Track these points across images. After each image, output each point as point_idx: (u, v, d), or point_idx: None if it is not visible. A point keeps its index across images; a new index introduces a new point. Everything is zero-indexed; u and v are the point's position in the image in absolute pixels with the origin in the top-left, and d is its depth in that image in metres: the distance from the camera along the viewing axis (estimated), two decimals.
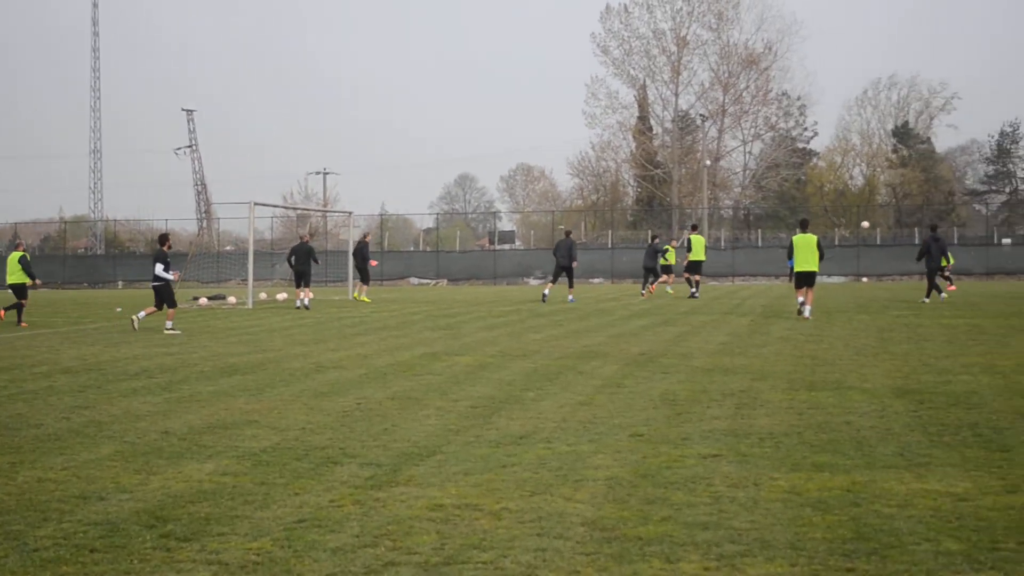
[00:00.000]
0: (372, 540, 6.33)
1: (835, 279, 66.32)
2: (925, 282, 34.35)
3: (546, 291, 38.44)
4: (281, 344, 20.35)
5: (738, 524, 6.55)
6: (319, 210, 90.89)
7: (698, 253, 39.42)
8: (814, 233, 26.91)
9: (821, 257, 26.04)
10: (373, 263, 41.23)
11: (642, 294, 39.98)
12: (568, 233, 40.52)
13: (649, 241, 43.25)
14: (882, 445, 9.00)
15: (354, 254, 40.64)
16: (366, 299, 39.63)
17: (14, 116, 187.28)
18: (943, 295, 33.63)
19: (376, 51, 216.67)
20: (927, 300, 32.71)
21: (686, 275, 39.60)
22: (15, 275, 28.77)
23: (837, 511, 6.81)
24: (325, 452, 9.10)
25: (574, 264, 37.63)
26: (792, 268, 26.47)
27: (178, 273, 26.34)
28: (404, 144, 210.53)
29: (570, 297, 37.76)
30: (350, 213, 53.32)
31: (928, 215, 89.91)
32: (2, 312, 28.83)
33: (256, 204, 41.04)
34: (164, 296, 24.90)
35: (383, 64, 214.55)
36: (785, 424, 10.13)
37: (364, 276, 39.84)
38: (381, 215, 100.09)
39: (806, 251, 25.96)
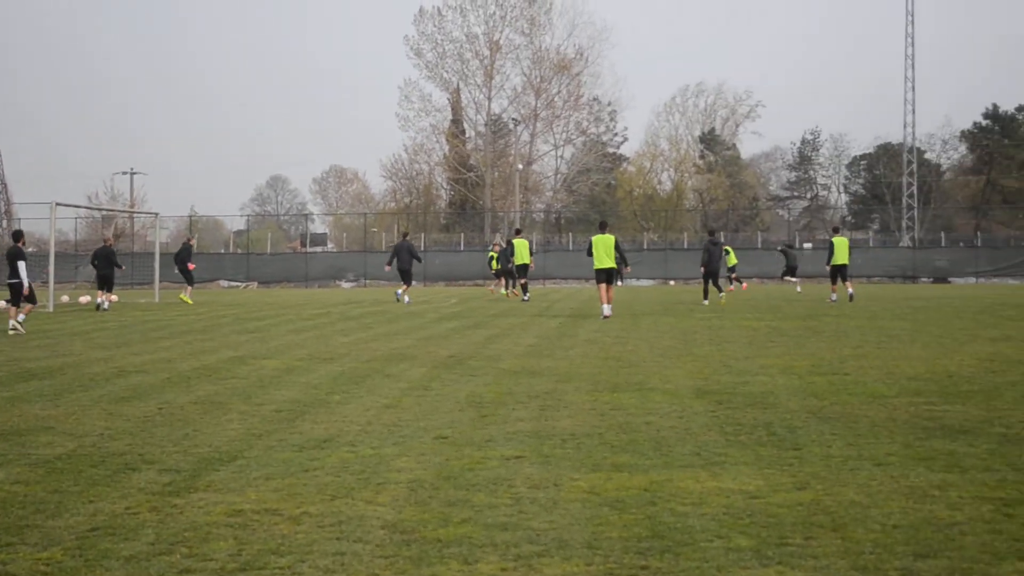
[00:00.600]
0: (167, 548, 6.22)
1: (644, 282, 67.52)
2: (706, 286, 35.79)
3: (399, 291, 39.12)
4: (82, 348, 19.84)
5: (537, 525, 6.61)
6: (125, 211, 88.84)
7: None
8: (614, 234, 28.02)
9: (621, 258, 27.58)
10: (191, 266, 41.57)
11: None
12: (405, 235, 41.26)
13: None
14: (680, 445, 9.19)
15: (176, 256, 40.56)
16: (189, 300, 39.87)
17: None
18: (722, 295, 35.50)
19: (184, 48, 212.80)
20: (723, 297, 34.88)
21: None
22: None
23: (634, 510, 6.93)
24: (123, 458, 8.90)
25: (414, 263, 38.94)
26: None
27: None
28: (215, 145, 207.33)
29: (406, 299, 38.34)
30: (157, 215, 52.36)
31: (733, 220, 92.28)
32: None
33: (58, 204, 39.97)
34: (19, 293, 25.06)
35: (195, 63, 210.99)
36: (587, 425, 10.27)
37: (188, 278, 40.61)
38: (190, 216, 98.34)
39: (604, 250, 27.49)
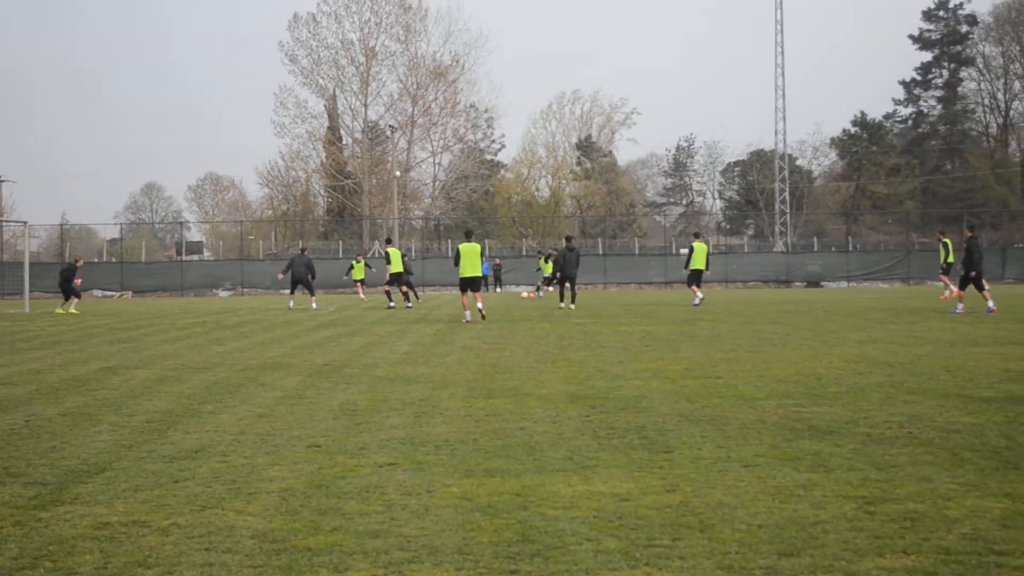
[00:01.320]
0: (31, 562, 6.11)
1: (523, 288, 67.75)
2: (562, 290, 37.13)
3: (291, 304, 40.69)
4: None
5: (408, 531, 6.62)
6: None
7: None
8: (478, 242, 29.17)
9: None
10: (77, 282, 42.33)
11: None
12: (303, 250, 42.85)
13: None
14: (553, 449, 9.26)
15: (61, 274, 41.85)
16: (75, 311, 40.17)
17: None
18: (564, 305, 36.26)
19: (54, 46, 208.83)
20: (573, 306, 35.73)
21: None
22: None
23: (505, 515, 6.97)
24: None
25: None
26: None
27: None
28: (87, 151, 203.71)
29: (314, 306, 40.13)
30: (26, 223, 51.29)
31: (611, 226, 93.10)
32: None
33: None
34: None
35: (68, 63, 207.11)
36: (462, 431, 10.29)
37: (74, 293, 41.20)
38: (62, 225, 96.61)
39: (471, 258, 28.50)
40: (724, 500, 7.28)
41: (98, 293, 71.90)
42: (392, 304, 38.91)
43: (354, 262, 47.98)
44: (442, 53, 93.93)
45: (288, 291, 42.06)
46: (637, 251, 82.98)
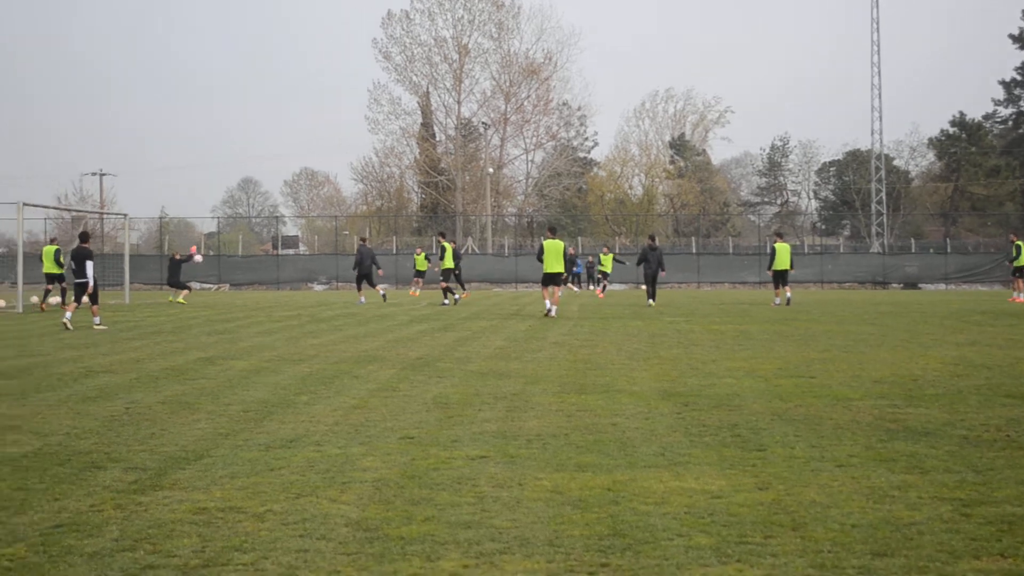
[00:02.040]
0: (131, 544, 6.24)
1: (615, 286, 67.62)
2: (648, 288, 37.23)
3: (362, 299, 41.02)
4: (51, 348, 19.79)
5: (499, 523, 6.67)
6: (94, 212, 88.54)
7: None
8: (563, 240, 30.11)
9: (568, 261, 29.76)
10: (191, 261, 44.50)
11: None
12: (364, 240, 43.65)
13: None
14: (645, 445, 9.26)
15: (169, 269, 43.53)
16: (183, 300, 41.51)
17: None
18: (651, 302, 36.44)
19: (155, 48, 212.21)
20: (652, 303, 36.15)
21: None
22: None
23: (596, 509, 6.99)
24: (89, 457, 8.91)
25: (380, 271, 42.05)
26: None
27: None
28: (185, 146, 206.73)
29: (362, 299, 40.57)
30: (127, 216, 52.17)
31: (704, 225, 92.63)
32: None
33: (26, 205, 39.75)
34: (83, 292, 26.54)
35: (167, 63, 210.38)
36: (553, 426, 10.33)
37: (182, 285, 42.54)
38: (161, 218, 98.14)
39: (554, 255, 29.20)
40: (817, 499, 7.24)
41: (196, 286, 72.92)
42: (447, 302, 38.66)
43: (415, 256, 48.85)
44: (535, 50, 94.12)
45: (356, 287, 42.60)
46: (731, 250, 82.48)
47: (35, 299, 42.04)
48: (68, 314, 25.65)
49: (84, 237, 27.57)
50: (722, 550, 6.07)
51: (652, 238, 38.67)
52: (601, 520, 6.72)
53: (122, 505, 7.18)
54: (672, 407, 11.57)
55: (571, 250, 48.04)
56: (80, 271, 26.56)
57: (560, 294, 29.90)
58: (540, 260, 29.46)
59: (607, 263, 53.00)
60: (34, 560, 5.95)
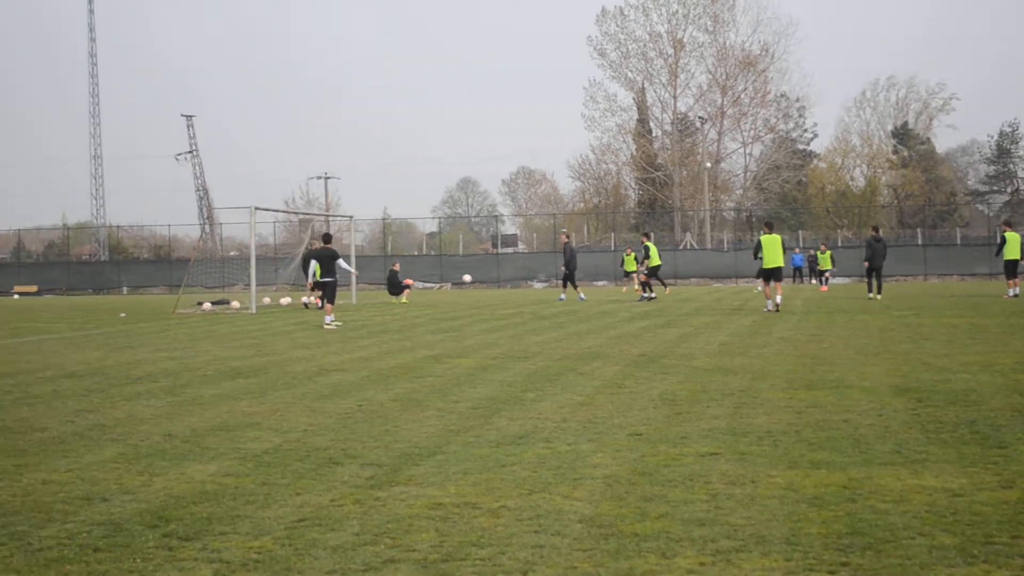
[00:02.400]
0: (372, 538, 6.40)
1: (838, 280, 66.31)
2: (870, 280, 37.17)
3: (563, 296, 42.14)
4: (284, 348, 20.43)
5: (734, 520, 6.61)
6: (321, 215, 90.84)
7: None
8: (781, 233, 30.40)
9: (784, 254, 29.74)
10: (407, 281, 45.45)
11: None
12: (568, 236, 43.97)
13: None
14: (879, 442, 9.06)
15: (388, 279, 44.50)
16: (405, 301, 43.20)
17: (15, 122, 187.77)
18: (871, 295, 36.11)
19: (377, 55, 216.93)
20: (879, 297, 35.87)
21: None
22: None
23: (833, 507, 6.87)
24: (326, 453, 9.17)
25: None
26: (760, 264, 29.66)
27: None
28: (406, 149, 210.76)
29: (562, 296, 41.60)
30: (351, 217, 53.45)
31: (930, 216, 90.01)
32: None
33: (257, 209, 41.11)
34: (332, 293, 27.84)
35: (380, 67, 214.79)
36: (783, 422, 10.19)
37: (401, 291, 43.35)
38: (383, 219, 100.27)
39: (773, 249, 29.14)
40: None
41: (419, 285, 74.29)
42: (651, 295, 38.46)
43: (624, 255, 48.82)
44: (751, 43, 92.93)
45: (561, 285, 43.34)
46: (959, 241, 79.88)
47: (267, 300, 43.48)
48: (328, 317, 26.92)
49: (327, 238, 28.98)
50: (967, 550, 5.90)
51: (876, 229, 38.03)
52: (838, 518, 6.60)
53: (361, 500, 7.36)
54: (906, 403, 11.29)
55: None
56: (328, 270, 27.90)
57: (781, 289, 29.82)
58: (756, 257, 29.63)
59: (825, 261, 52.31)
60: (281, 553, 6.15)
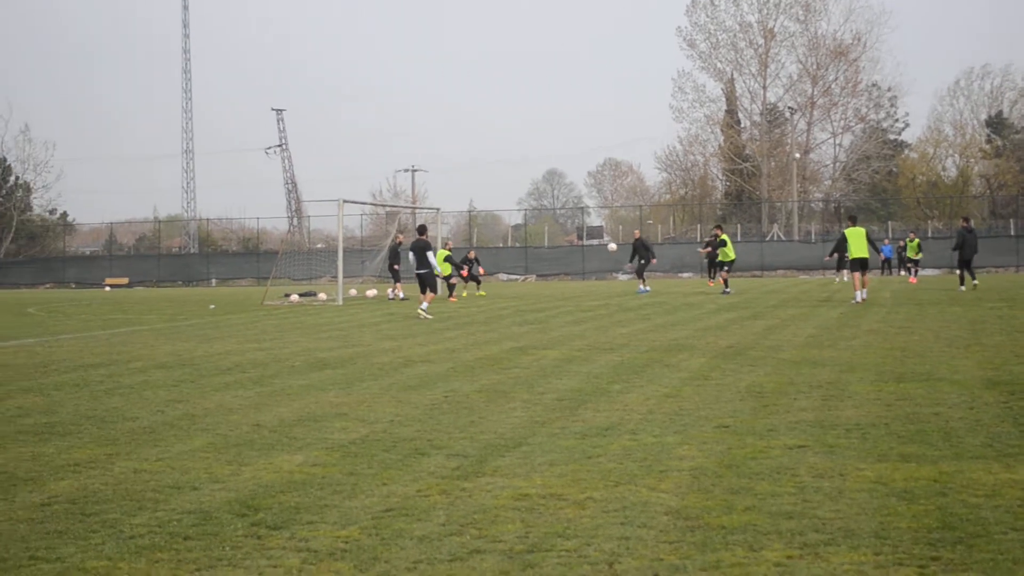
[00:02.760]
0: (458, 528, 6.42)
1: (929, 271, 65.44)
2: (961, 272, 36.18)
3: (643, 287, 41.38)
4: (370, 339, 20.57)
5: (822, 513, 6.54)
6: (408, 207, 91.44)
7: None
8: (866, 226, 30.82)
9: (872, 248, 30.35)
10: (474, 269, 44.23)
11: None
12: (637, 233, 45.15)
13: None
14: (971, 436, 8.92)
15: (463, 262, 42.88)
16: (482, 292, 43.48)
17: (107, 117, 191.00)
18: (963, 287, 35.32)
19: (461, 48, 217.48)
20: (976, 283, 36.12)
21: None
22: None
23: (923, 501, 6.78)
24: (413, 444, 9.22)
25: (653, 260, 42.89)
26: (847, 258, 31.06)
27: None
28: (492, 141, 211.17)
29: (641, 287, 41.17)
30: (438, 210, 53.64)
31: None
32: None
33: (345, 202, 41.40)
34: (424, 283, 28.21)
35: (468, 60, 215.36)
36: (872, 415, 10.07)
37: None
38: (470, 211, 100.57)
39: (858, 241, 29.99)
40: None
41: (503, 277, 74.40)
42: (729, 290, 37.74)
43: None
44: (843, 32, 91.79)
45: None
46: None
47: (353, 292, 43.78)
48: (425, 304, 27.19)
49: (422, 230, 29.45)
50: None
51: (967, 220, 37.52)
52: (929, 512, 6.51)
53: (447, 491, 7.38)
54: (998, 396, 11.11)
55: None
56: (423, 262, 28.10)
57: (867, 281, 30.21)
58: (838, 251, 31.86)
59: (912, 250, 51.63)
60: (367, 542, 6.19)
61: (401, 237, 41.83)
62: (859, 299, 28.93)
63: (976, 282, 36.24)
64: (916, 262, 51.47)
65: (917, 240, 52.58)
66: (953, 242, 37.12)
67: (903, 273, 62.38)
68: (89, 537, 6.44)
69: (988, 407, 10.41)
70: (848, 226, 30.64)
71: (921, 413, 10.14)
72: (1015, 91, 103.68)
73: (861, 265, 29.83)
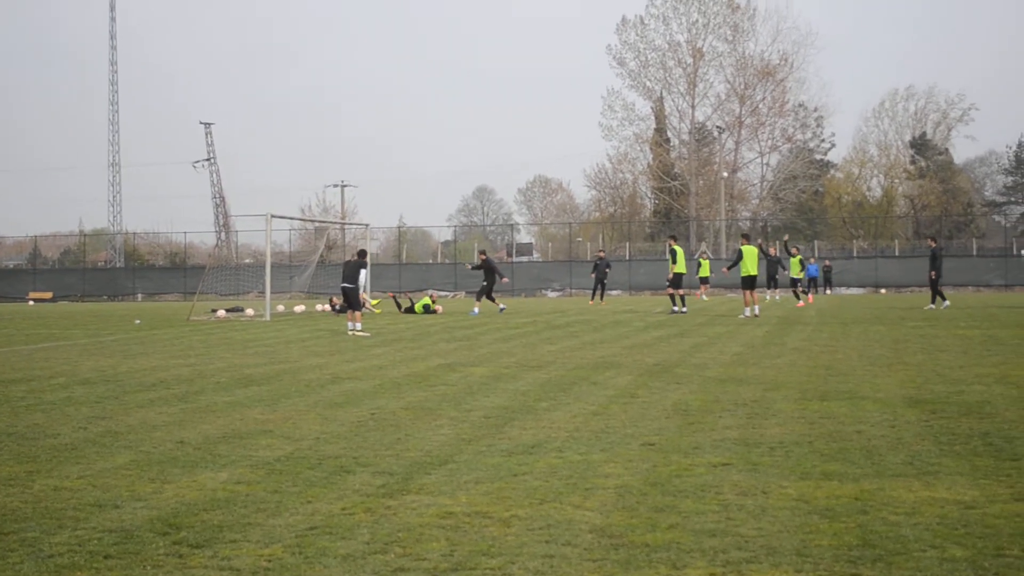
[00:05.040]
0: (382, 547, 6.40)
1: (853, 290, 66.21)
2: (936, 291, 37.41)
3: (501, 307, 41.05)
4: (297, 356, 20.45)
5: (745, 531, 6.59)
6: (337, 222, 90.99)
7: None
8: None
9: (773, 262, 35.37)
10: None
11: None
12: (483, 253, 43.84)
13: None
14: (892, 454, 9.03)
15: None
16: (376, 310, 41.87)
17: (33, 129, 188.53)
18: (938, 305, 36.58)
19: (390, 62, 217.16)
20: (937, 306, 36.70)
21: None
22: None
23: (844, 519, 6.85)
24: (338, 461, 9.17)
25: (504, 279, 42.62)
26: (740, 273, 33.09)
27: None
28: (421, 157, 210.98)
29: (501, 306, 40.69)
30: (367, 225, 53.48)
31: (947, 226, 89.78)
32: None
33: (273, 216, 41.18)
34: (354, 300, 28.30)
35: (397, 76, 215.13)
36: (796, 433, 10.16)
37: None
38: (399, 227, 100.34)
39: (751, 259, 32.56)
40: None
41: (434, 293, 74.28)
42: (682, 308, 36.47)
43: (700, 260, 52.01)
44: (770, 52, 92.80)
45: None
46: (975, 252, 79.59)
47: (281, 308, 43.54)
48: (356, 324, 27.13)
49: (363, 253, 29.92)
50: (979, 563, 5.88)
51: (934, 239, 38.40)
52: (850, 530, 6.58)
53: (372, 509, 7.36)
54: (919, 414, 11.25)
55: (771, 250, 48.20)
56: (352, 279, 28.52)
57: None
58: (730, 268, 34.23)
59: (793, 267, 49.49)
60: (291, 561, 6.15)
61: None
62: (747, 314, 31.57)
63: (947, 303, 37.49)
64: (797, 281, 48.02)
65: (799, 257, 48.78)
66: (932, 263, 37.02)
67: (829, 292, 63.03)
68: (7, 556, 6.35)
69: (909, 425, 10.54)
70: (743, 243, 33.13)
71: (844, 431, 10.25)
72: (938, 113, 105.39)
73: (751, 283, 32.55)
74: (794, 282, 43.45)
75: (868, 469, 8.40)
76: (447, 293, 74.12)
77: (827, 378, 14.83)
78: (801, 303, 41.19)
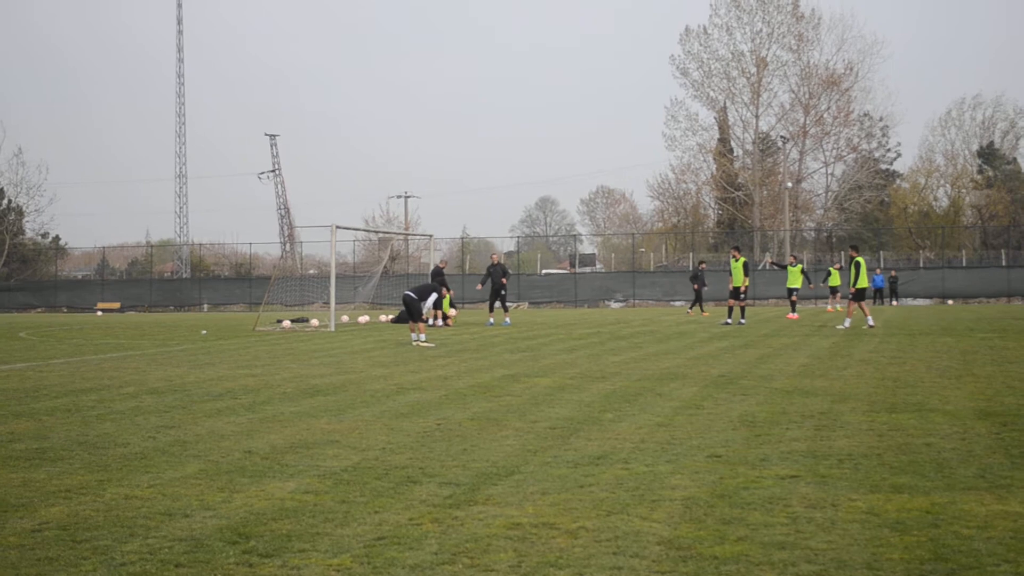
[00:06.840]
0: (450, 557, 6.41)
1: (920, 301, 65.55)
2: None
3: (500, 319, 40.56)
4: (362, 366, 20.54)
5: (815, 544, 6.54)
6: (401, 233, 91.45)
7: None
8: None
9: (746, 274, 35.21)
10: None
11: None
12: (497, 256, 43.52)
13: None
14: (963, 467, 8.93)
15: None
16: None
17: (101, 142, 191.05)
18: None
19: (456, 74, 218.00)
20: None
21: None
22: None
23: (915, 532, 6.78)
24: (405, 471, 9.20)
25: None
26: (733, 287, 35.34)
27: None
28: (485, 168, 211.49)
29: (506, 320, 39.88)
30: (431, 236, 53.63)
31: (1015, 236, 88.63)
32: None
33: (338, 227, 41.40)
34: (416, 312, 27.62)
35: (463, 88, 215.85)
36: (864, 446, 10.07)
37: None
38: (462, 238, 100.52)
39: (737, 272, 35.05)
40: None
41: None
42: (729, 320, 36.71)
43: (831, 268, 50.78)
44: (835, 61, 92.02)
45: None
46: None
47: (345, 318, 43.76)
48: (420, 335, 26.98)
49: (442, 281, 31.55)
50: None
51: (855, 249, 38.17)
52: (921, 543, 6.52)
53: (439, 519, 7.37)
54: (990, 427, 11.12)
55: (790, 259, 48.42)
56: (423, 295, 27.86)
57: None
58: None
59: (833, 278, 49.60)
60: (359, 571, 6.18)
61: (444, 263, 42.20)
62: (730, 321, 35.42)
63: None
64: (835, 290, 49.97)
65: (800, 267, 48.27)
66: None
67: (895, 303, 62.45)
68: (80, 564, 6.43)
69: (980, 438, 10.42)
70: (734, 256, 35.40)
71: (913, 444, 10.15)
72: (1006, 122, 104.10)
73: (736, 294, 35.36)
74: (790, 292, 43.09)
75: (939, 482, 8.32)
76: (510, 304, 74.15)
77: (895, 390, 14.69)
78: (793, 315, 40.96)
